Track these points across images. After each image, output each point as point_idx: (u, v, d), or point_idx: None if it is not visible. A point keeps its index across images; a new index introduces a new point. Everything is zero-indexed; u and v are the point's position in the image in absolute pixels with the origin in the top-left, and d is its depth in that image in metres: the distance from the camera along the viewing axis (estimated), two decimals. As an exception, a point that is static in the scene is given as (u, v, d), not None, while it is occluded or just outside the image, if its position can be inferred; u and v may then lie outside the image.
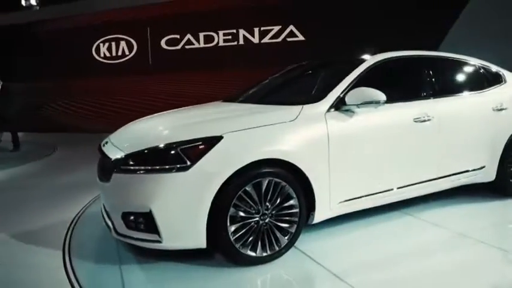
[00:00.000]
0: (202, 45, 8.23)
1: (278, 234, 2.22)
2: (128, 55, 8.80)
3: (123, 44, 8.79)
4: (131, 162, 2.09)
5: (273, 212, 2.19)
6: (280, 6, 7.55)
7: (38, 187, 4.39)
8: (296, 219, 2.25)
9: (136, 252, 2.37)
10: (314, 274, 2.16)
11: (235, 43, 8.00)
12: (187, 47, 8.31)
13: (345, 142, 2.40)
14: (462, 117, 3.00)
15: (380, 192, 2.62)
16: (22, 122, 7.79)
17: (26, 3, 8.77)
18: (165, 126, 2.34)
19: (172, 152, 2.02)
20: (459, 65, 3.30)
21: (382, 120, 2.58)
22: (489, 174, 3.20)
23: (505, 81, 3.44)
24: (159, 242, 2.03)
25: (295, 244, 2.40)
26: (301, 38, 7.55)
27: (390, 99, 2.71)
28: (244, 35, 7.95)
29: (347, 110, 2.44)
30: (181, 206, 1.99)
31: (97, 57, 9.02)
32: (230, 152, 2.05)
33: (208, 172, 2.00)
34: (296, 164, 2.18)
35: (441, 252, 2.37)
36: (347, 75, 2.59)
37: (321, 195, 2.32)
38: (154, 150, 2.07)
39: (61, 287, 2.03)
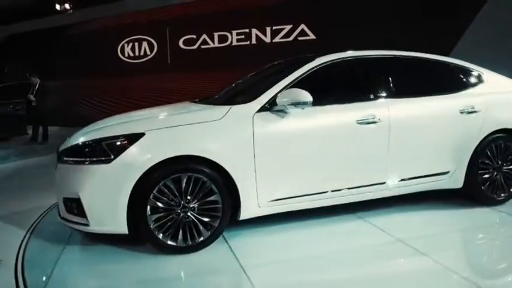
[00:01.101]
0: (216, 44, 8.56)
1: (200, 227, 2.40)
2: (149, 55, 9.41)
3: (145, 44, 9.42)
4: (67, 154, 2.41)
5: (195, 205, 2.38)
6: (292, 5, 7.63)
7: (49, 175, 4.98)
8: (219, 214, 2.42)
9: (84, 236, 2.69)
10: (227, 269, 2.26)
11: (248, 43, 8.22)
12: (203, 46, 8.71)
13: (274, 143, 2.50)
14: (420, 120, 2.92)
15: (315, 194, 2.67)
16: (54, 117, 8.69)
17: (60, 7, 9.71)
18: (105, 124, 2.62)
19: (99, 146, 2.30)
20: (425, 65, 3.20)
21: (319, 121, 2.63)
22: (456, 181, 3.08)
23: (484, 83, 3.28)
24: (87, 225, 2.32)
25: (226, 238, 2.58)
26: (312, 36, 7.57)
27: (334, 101, 2.78)
28: (256, 35, 8.15)
29: (280, 111, 2.53)
30: (105, 194, 2.25)
31: (122, 57, 9.75)
32: (149, 148, 2.28)
33: (128, 165, 2.24)
34: (216, 161, 2.34)
35: (369, 260, 2.34)
36: (288, 76, 2.70)
37: (247, 192, 2.45)
38: (84, 144, 2.37)
39: (7, 259, 2.40)
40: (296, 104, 2.47)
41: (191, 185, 2.34)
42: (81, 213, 2.31)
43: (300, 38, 7.66)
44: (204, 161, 2.35)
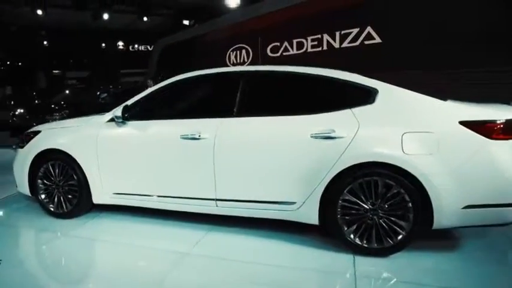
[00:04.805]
0: (295, 51, 9.11)
1: (67, 202, 3.59)
2: (246, 61, 10.85)
3: (244, 52, 10.91)
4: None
5: (64, 185, 3.58)
6: (359, 5, 7.37)
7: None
8: (77, 194, 3.53)
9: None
10: (60, 234, 3.36)
11: (320, 49, 8.40)
12: (284, 53, 9.41)
13: (109, 147, 3.37)
14: (253, 141, 2.95)
15: (146, 196, 3.33)
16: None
17: (189, 23, 12.46)
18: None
19: (22, 136, 3.82)
20: (287, 81, 3.15)
21: (147, 133, 3.26)
22: (306, 215, 2.88)
23: (373, 103, 2.80)
24: (17, 186, 3.89)
25: (100, 217, 3.70)
26: (378, 40, 7.11)
27: (170, 116, 3.35)
28: (327, 40, 8.24)
29: (120, 122, 3.35)
30: (19, 168, 3.76)
31: (228, 63, 11.59)
32: (40, 141, 3.63)
33: (28, 151, 3.67)
34: (71, 154, 3.46)
35: (136, 259, 2.87)
36: (142, 92, 3.49)
37: (94, 182, 3.47)
38: (22, 135, 3.93)
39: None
40: (116, 117, 3.28)
41: (60, 171, 3.55)
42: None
43: (366, 42, 7.31)
44: (66, 154, 3.50)
